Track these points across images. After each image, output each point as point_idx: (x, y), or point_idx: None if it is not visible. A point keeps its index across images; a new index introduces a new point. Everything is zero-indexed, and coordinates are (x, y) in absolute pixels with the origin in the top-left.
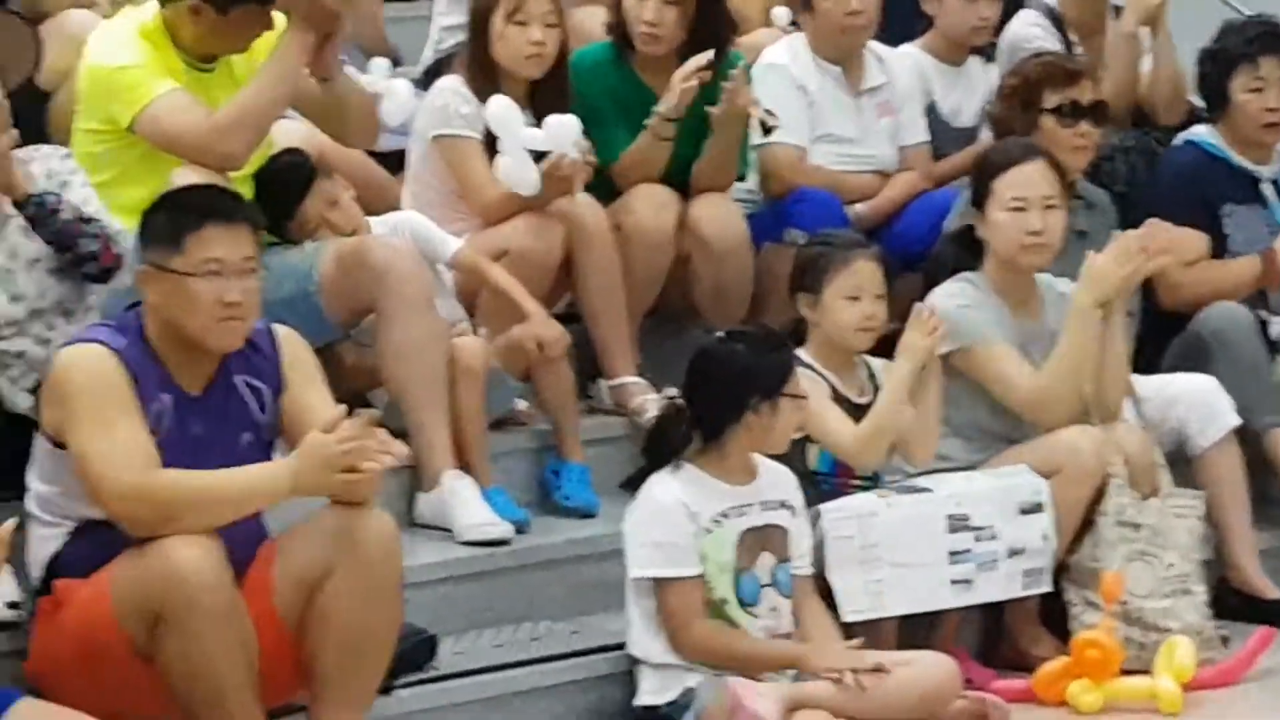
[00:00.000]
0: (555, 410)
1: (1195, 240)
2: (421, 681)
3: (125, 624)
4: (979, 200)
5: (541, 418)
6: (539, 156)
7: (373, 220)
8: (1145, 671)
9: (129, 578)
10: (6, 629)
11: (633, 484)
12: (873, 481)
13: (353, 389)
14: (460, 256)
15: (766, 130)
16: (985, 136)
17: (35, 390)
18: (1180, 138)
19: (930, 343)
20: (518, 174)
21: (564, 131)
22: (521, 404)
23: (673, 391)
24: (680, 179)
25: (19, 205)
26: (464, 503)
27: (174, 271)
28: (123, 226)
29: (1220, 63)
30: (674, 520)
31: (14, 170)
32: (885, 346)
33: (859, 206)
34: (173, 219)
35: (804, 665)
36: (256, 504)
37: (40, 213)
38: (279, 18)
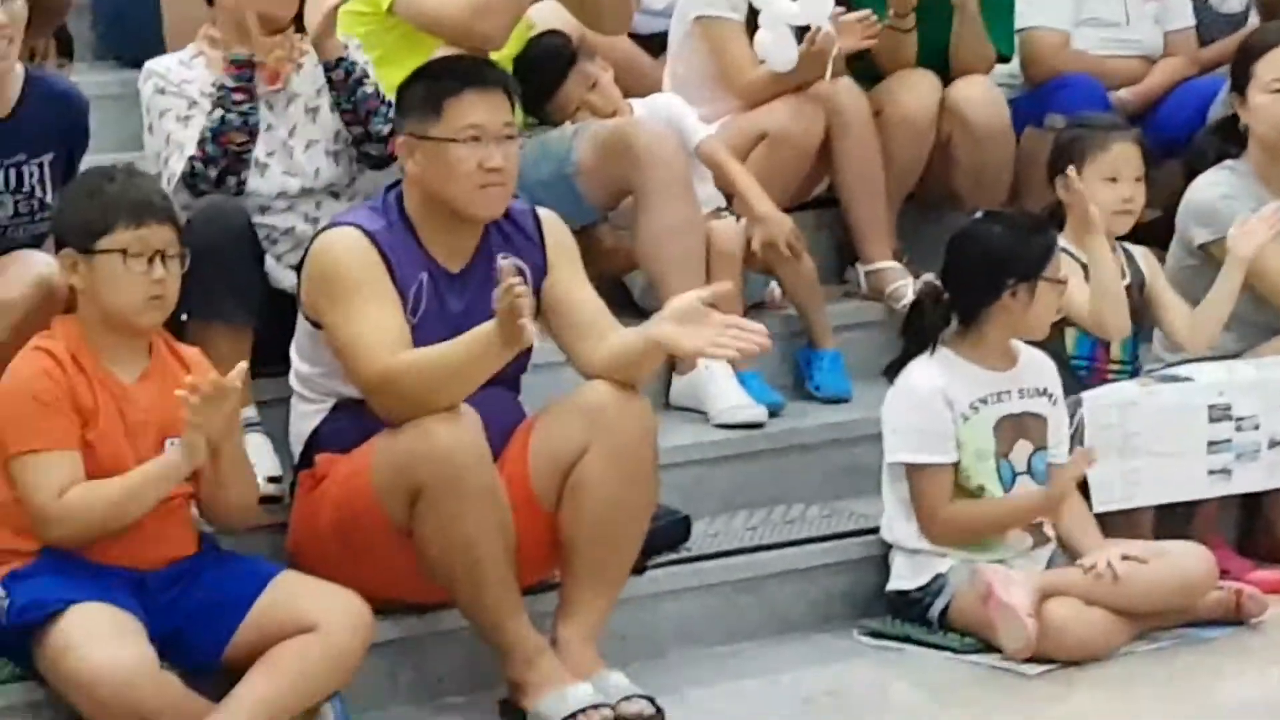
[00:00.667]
0: (801, 301)
1: None
2: (674, 562)
3: (384, 500)
4: (1240, 85)
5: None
6: (799, 35)
7: (633, 102)
8: None
9: (389, 454)
10: (267, 503)
11: (893, 371)
12: (1130, 369)
13: (609, 272)
14: (703, 146)
15: None
16: (1254, 22)
17: (298, 268)
18: None
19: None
20: (775, 50)
21: (820, 6)
22: (775, 290)
23: (930, 277)
24: (940, 62)
25: (328, 66)
26: (719, 386)
27: (434, 139)
28: None
29: None
30: (931, 406)
31: (334, 28)
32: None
33: (1122, 92)
34: (431, 87)
35: (1051, 506)
36: (486, 363)
37: (346, 78)
38: None
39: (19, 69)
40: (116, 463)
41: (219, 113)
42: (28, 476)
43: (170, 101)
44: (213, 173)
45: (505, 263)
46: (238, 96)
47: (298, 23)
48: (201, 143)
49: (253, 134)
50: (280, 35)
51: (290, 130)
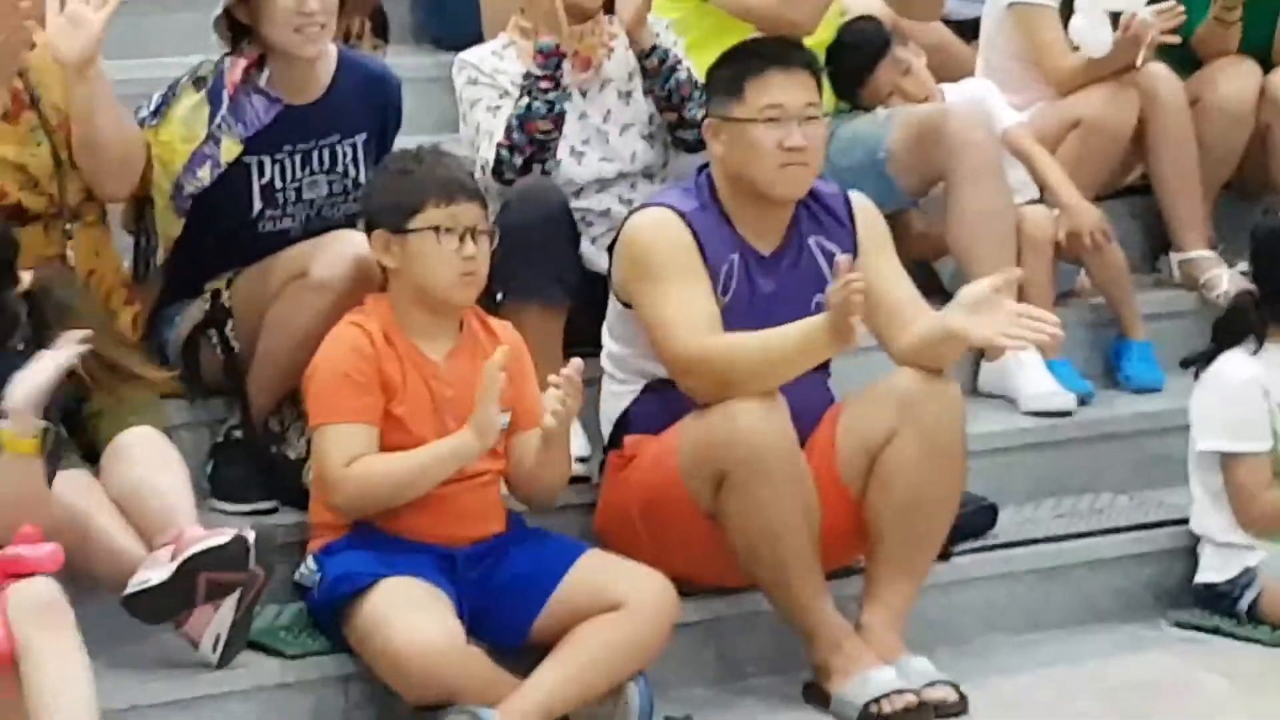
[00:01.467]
0: (1109, 291)
1: None
2: (981, 549)
3: (690, 482)
4: None
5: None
6: (1114, 21)
7: (944, 88)
8: None
9: (695, 437)
10: (576, 482)
11: (1193, 364)
12: None
13: (919, 257)
14: (1009, 134)
15: None
16: None
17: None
18: None
19: None
20: (1090, 34)
21: None
22: (1085, 279)
23: (1243, 267)
24: (1263, 51)
25: (642, 53)
26: (1028, 373)
27: (736, 120)
28: None
29: None
30: (1246, 395)
31: (646, 17)
32: None
33: None
34: (735, 69)
35: None
36: (810, 357)
37: (660, 66)
38: None
39: (332, 49)
40: (422, 438)
41: (525, 100)
42: (323, 445)
43: (481, 92)
44: (518, 160)
45: (843, 258)
46: (544, 85)
47: (609, 7)
48: (508, 130)
49: (558, 122)
50: (590, 22)
51: (604, 116)
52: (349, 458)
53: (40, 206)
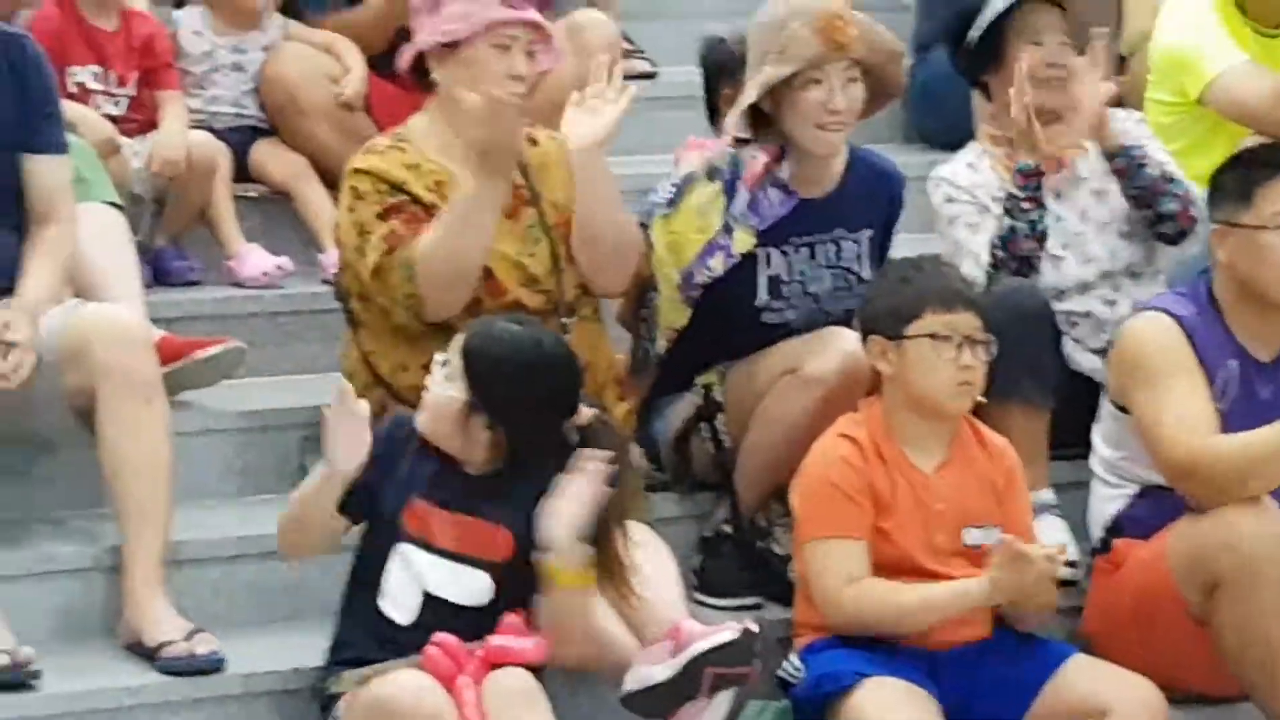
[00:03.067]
0: None
1: None
2: None
3: (1181, 587)
4: None
5: None
6: None
7: None
8: None
9: (1187, 542)
10: (1064, 586)
11: None
12: None
13: None
14: None
15: None
16: None
17: (1099, 351)
18: None
19: None
20: None
21: None
22: None
23: None
24: None
25: (1109, 155)
26: None
27: (1244, 226)
28: (1198, 191)
29: None
30: None
31: (1108, 119)
32: None
33: None
34: (1243, 175)
35: None
36: None
37: (1129, 165)
38: None
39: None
40: (908, 552)
41: (1008, 222)
42: (818, 561)
43: (960, 209)
44: (1003, 277)
45: None
46: (1026, 205)
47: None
48: (992, 250)
49: (1041, 239)
50: (1060, 124)
51: (1080, 216)
52: (847, 576)
53: (538, 303)
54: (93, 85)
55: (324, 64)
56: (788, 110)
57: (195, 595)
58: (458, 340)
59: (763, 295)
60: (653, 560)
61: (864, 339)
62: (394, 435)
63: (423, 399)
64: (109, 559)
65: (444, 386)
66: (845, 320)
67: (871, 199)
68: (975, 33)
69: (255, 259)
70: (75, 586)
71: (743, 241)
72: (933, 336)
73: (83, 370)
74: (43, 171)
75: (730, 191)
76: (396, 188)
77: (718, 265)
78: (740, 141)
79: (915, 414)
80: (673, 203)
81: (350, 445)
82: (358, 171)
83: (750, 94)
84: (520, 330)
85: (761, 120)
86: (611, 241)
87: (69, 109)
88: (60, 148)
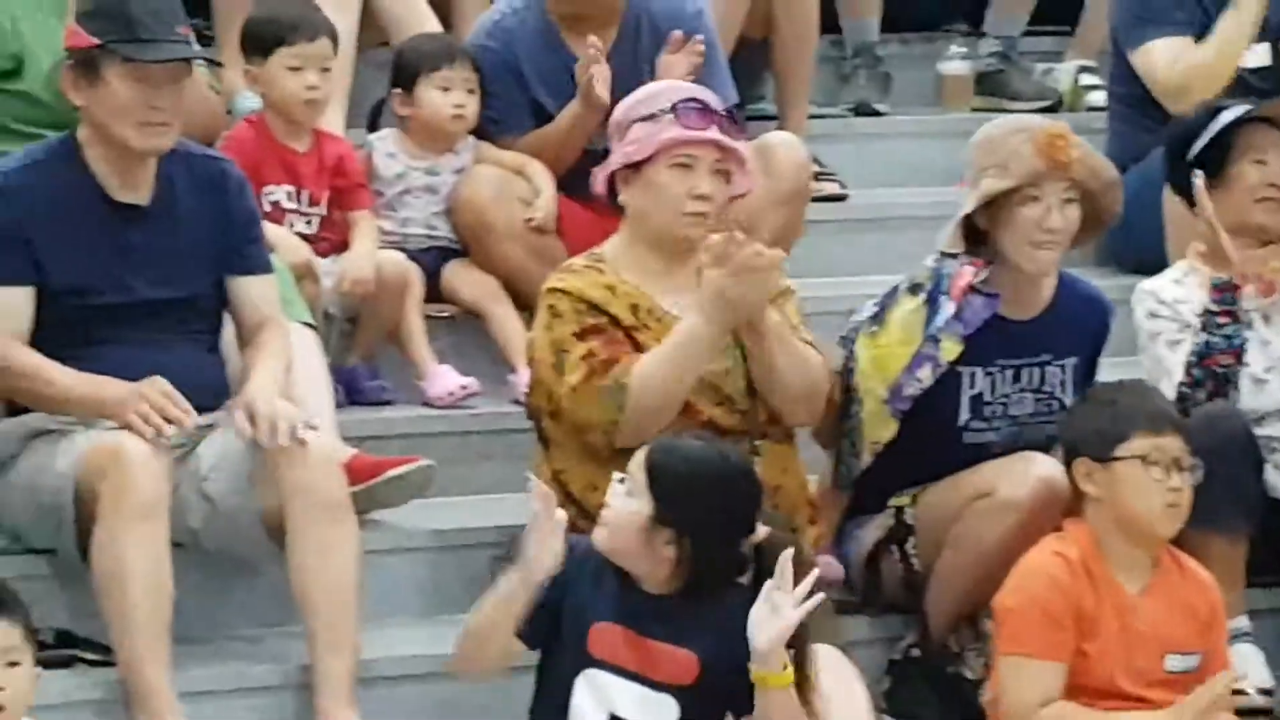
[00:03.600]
0: None
1: None
2: None
3: None
4: None
5: None
6: None
7: None
8: None
9: None
10: (1258, 715)
11: None
12: None
13: None
14: None
15: None
16: None
17: None
18: None
19: None
20: None
21: None
22: None
23: None
24: None
25: None
26: None
27: None
28: None
29: None
30: None
31: None
32: None
33: None
34: None
35: None
36: None
37: None
38: None
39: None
40: (1109, 674)
41: (1203, 337)
42: (1016, 679)
43: (1162, 325)
44: (1200, 395)
45: None
46: (1220, 320)
47: None
48: (1188, 367)
49: (1238, 355)
50: (1269, 247)
51: None
52: (1043, 697)
53: (732, 423)
54: (287, 204)
55: (515, 186)
56: (1003, 227)
57: (387, 714)
58: (639, 456)
59: (964, 414)
60: (843, 683)
61: (1068, 461)
62: (572, 557)
63: (601, 516)
64: (299, 676)
65: (626, 502)
66: (1043, 446)
67: (1080, 326)
68: (1197, 147)
69: (444, 379)
70: (267, 704)
71: (950, 350)
72: (1143, 459)
73: (273, 490)
74: (253, 291)
75: (933, 305)
76: (595, 308)
77: (926, 376)
78: (946, 255)
79: (1122, 536)
80: (877, 319)
81: (547, 551)
82: (555, 290)
83: (968, 205)
84: (703, 444)
85: (972, 237)
86: (795, 385)
87: (267, 229)
88: (267, 267)
